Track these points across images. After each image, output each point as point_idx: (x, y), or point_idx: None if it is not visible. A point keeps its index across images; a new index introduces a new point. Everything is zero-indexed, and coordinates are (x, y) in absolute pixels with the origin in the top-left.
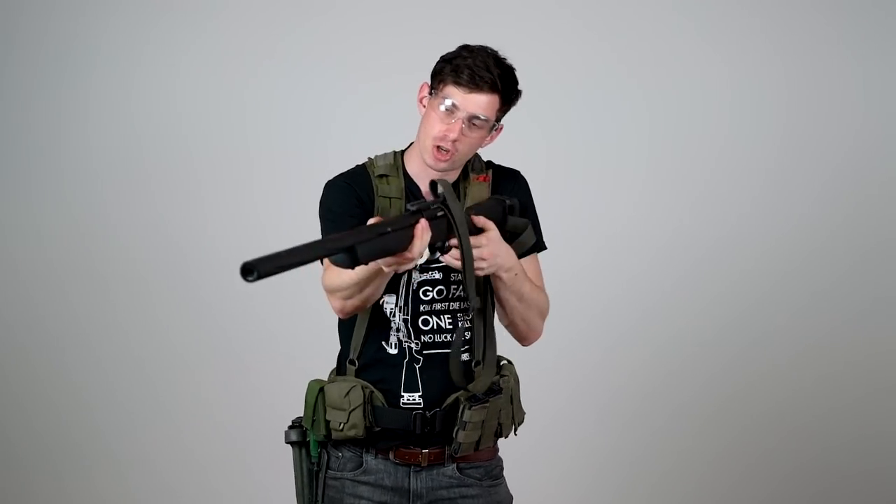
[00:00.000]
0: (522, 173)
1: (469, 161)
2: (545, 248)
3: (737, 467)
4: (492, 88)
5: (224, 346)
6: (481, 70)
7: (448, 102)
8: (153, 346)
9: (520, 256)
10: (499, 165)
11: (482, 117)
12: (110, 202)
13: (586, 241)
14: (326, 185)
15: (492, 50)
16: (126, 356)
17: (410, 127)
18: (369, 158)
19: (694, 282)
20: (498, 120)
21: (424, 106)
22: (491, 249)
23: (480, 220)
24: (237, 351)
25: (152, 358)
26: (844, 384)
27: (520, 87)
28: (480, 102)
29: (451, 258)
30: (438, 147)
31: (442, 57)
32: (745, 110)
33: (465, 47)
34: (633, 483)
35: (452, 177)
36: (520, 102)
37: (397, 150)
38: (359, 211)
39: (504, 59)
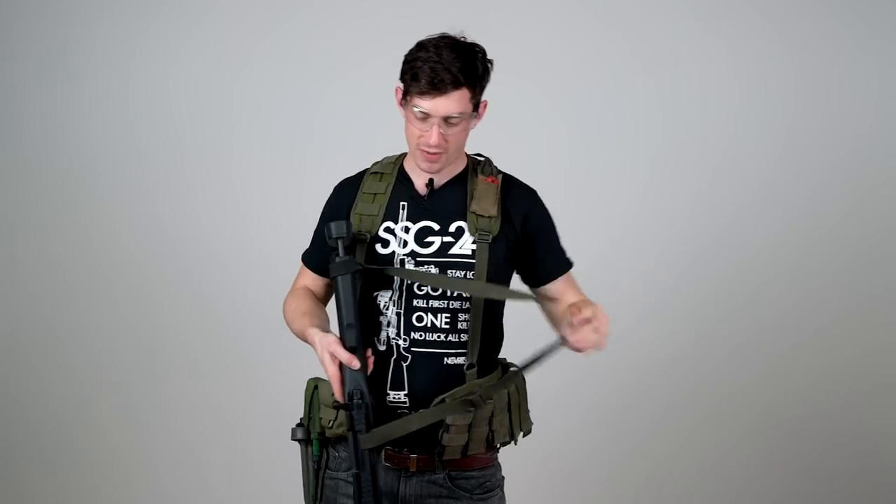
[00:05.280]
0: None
1: (480, 164)
2: (572, 264)
3: (736, 469)
4: (455, 85)
5: (231, 344)
6: (440, 72)
7: (418, 111)
8: (161, 345)
9: (549, 280)
10: (513, 177)
11: (456, 115)
12: (107, 201)
13: (588, 240)
14: (334, 188)
15: (449, 38)
16: (131, 355)
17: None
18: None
19: (691, 281)
20: (476, 106)
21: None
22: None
23: (587, 312)
24: (244, 348)
25: (161, 357)
26: (842, 382)
27: (489, 59)
28: (449, 104)
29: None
30: (425, 150)
31: (404, 58)
32: (745, 110)
33: (420, 46)
34: (624, 485)
35: (455, 170)
36: (521, 100)
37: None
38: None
39: (462, 40)
